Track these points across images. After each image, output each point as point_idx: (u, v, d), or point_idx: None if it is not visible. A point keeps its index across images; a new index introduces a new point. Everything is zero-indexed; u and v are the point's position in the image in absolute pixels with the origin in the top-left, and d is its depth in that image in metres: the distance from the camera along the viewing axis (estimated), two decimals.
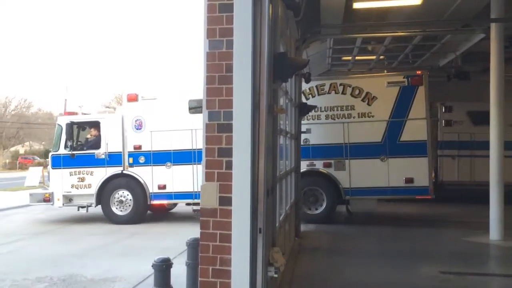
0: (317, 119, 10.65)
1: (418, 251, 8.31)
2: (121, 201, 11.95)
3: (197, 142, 10.80)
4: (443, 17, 9.99)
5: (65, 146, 12.10)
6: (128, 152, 11.79)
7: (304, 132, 10.10)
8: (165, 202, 11.93)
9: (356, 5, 9.27)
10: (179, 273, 5.48)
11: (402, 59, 14.30)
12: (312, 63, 13.42)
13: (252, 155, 4.02)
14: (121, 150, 11.91)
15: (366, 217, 11.79)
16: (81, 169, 12.00)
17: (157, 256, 4.59)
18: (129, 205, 11.92)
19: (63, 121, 12.40)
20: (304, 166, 10.47)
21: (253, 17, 3.95)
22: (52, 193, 12.08)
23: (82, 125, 12.75)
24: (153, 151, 11.49)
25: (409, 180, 10.21)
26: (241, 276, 3.97)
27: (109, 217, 12.05)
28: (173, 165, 11.32)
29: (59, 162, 12.11)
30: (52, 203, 12.14)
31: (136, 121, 11.72)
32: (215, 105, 4.13)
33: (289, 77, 5.03)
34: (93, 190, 11.91)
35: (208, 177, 4.16)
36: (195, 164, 10.96)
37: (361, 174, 10.39)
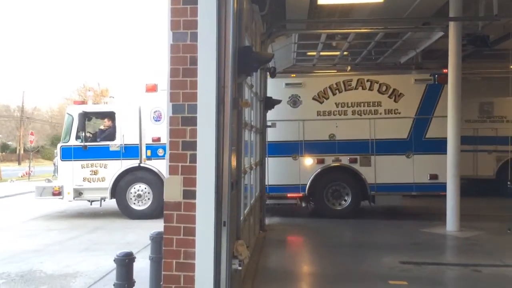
0: (344, 115, 10.70)
1: (379, 242, 8.54)
2: (139, 195, 11.55)
3: None
4: (404, 15, 10.25)
5: (77, 137, 11.54)
6: (146, 144, 11.45)
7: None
8: None
9: (320, 1, 9.36)
10: (142, 268, 5.44)
11: (365, 55, 14.58)
12: (278, 57, 13.50)
13: (217, 149, 4.03)
14: (138, 142, 11.49)
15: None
16: (94, 162, 11.49)
17: (120, 250, 4.53)
18: (148, 199, 11.57)
19: (75, 110, 11.81)
20: (329, 161, 10.63)
21: (217, 10, 3.94)
22: (62, 186, 11.53)
23: (95, 116, 12.28)
24: None
25: (434, 177, 10.38)
26: (205, 269, 3.98)
27: (125, 212, 11.58)
28: None
29: (70, 154, 11.53)
30: (61, 197, 11.61)
31: (155, 112, 11.39)
32: (179, 98, 4.11)
33: (254, 71, 5.05)
34: (107, 183, 11.47)
35: (172, 171, 4.14)
36: None
37: (386, 170, 10.49)
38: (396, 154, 10.49)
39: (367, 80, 10.73)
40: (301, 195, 10.70)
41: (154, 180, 11.47)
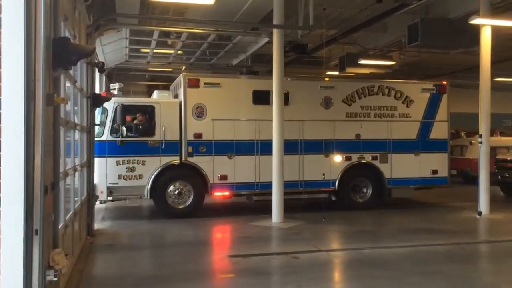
0: (367, 117, 11.80)
1: (210, 239, 8.76)
2: (180, 193, 10.72)
3: (261, 133, 10.97)
4: (233, 19, 10.72)
5: (112, 132, 10.37)
6: (188, 140, 10.70)
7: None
8: (226, 193, 11.13)
9: None
10: None
11: (200, 55, 14.86)
12: (108, 52, 12.89)
13: (26, 149, 3.62)
14: (178, 138, 10.70)
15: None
16: (131, 158, 10.46)
17: None
18: (188, 198, 10.78)
19: (110, 103, 10.06)
20: (355, 158, 11.71)
21: None
22: (95, 184, 9.69)
23: (132, 109, 10.77)
24: (214, 140, 10.85)
25: (434, 172, 12.21)
26: (12, 284, 3.54)
27: (164, 210, 10.73)
28: (235, 155, 10.80)
29: (104, 150, 10.30)
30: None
31: (196, 108, 10.74)
32: None
33: (73, 65, 4.68)
34: (145, 181, 10.52)
35: None
36: (258, 155, 10.97)
37: (400, 166, 11.92)
38: (407, 152, 12.06)
39: (386, 87, 12.04)
40: (331, 189, 11.58)
41: (196, 178, 10.84)
